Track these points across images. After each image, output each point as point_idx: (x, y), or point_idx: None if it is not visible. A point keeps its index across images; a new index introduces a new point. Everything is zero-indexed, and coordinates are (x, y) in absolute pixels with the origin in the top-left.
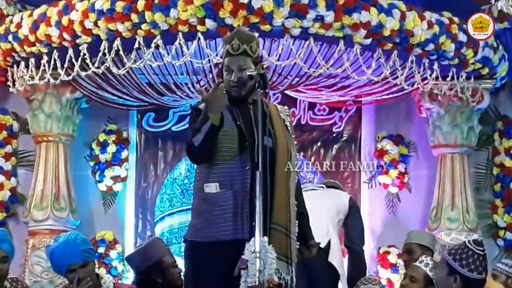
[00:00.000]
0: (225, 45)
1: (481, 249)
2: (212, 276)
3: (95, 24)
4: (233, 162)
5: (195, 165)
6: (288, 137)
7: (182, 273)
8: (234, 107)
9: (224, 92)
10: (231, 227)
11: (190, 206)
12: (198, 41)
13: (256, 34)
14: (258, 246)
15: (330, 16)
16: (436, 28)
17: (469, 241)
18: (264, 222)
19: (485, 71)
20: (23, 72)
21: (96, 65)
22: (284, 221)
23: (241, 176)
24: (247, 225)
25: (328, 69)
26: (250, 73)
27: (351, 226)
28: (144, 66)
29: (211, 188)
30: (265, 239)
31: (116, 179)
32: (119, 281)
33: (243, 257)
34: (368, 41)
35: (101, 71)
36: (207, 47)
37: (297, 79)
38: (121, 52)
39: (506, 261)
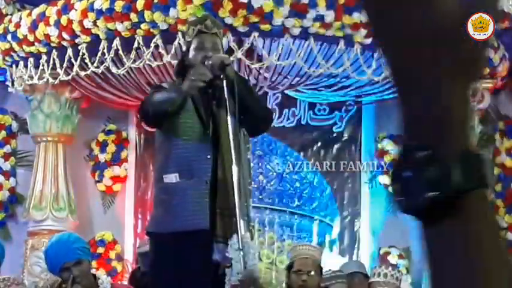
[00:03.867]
0: (194, 26)
1: None
2: (175, 268)
3: (94, 23)
4: (194, 151)
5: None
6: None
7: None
8: (195, 93)
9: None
10: (190, 217)
11: None
12: None
13: (256, 34)
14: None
15: (330, 16)
16: None
17: None
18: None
19: (486, 71)
20: (22, 72)
21: (95, 64)
22: (227, 203)
23: (202, 165)
24: (207, 215)
25: (328, 69)
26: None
27: None
28: (143, 66)
29: (171, 178)
30: (248, 235)
31: (115, 179)
32: (118, 282)
33: (226, 255)
34: (368, 41)
35: (100, 71)
36: None
37: (297, 79)
38: (120, 52)
39: None
